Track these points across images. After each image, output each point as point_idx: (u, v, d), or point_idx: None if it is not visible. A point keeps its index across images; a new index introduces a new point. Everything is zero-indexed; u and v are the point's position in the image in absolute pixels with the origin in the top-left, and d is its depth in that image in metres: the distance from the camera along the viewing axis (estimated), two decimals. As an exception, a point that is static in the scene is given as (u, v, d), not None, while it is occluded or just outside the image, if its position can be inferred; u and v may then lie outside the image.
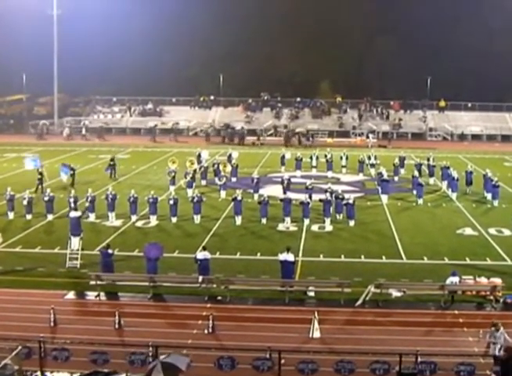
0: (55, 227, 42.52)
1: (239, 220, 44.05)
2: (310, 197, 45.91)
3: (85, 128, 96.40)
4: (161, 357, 18.54)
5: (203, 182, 56.00)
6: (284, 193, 48.28)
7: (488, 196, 51.77)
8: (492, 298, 30.03)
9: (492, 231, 42.36)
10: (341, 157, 65.21)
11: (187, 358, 19.36)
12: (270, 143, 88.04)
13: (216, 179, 54.01)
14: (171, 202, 44.48)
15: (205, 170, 57.30)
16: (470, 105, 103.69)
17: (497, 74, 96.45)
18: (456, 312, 29.02)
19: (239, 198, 44.48)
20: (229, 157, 63.46)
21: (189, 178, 52.31)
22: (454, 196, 52.32)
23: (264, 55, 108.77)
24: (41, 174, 52.90)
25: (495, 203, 50.13)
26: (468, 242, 40.31)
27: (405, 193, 53.86)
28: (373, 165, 63.95)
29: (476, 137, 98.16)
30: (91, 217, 43.84)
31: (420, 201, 50.45)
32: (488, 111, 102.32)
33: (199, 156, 63.48)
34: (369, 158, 64.86)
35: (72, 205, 42.52)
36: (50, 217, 44.36)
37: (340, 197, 45.08)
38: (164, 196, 49.07)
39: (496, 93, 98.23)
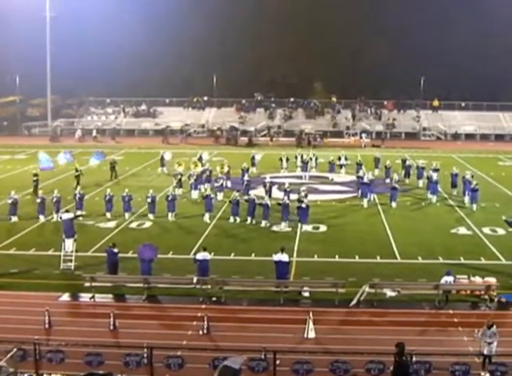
0: (48, 229, 42.52)
1: (207, 218, 44.69)
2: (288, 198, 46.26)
3: (96, 129, 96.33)
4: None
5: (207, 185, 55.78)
6: (269, 196, 48.10)
7: (466, 199, 50.27)
8: (486, 297, 30.07)
9: (486, 230, 42.40)
10: (311, 158, 65.17)
11: (242, 358, 19.67)
12: (281, 144, 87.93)
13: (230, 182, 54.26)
14: (149, 200, 45.47)
15: (210, 172, 56.84)
16: (463, 104, 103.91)
17: (491, 73, 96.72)
18: (451, 311, 29.06)
19: (211, 196, 45.63)
20: (200, 158, 63.39)
21: (193, 180, 52.17)
22: (433, 199, 51.30)
23: (257, 55, 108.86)
24: (36, 175, 52.70)
25: (474, 207, 48.38)
26: (462, 241, 40.33)
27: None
28: (342, 166, 63.55)
29: (470, 136, 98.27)
30: (56, 217, 44.17)
31: (394, 205, 49.48)
32: (481, 111, 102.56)
33: (162, 158, 63.55)
34: (339, 159, 64.27)
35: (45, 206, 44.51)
36: (14, 219, 44.43)
37: (303, 199, 44.28)
38: (158, 197, 49.11)
39: (490, 92, 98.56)
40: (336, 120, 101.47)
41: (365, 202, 49.88)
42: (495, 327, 23.44)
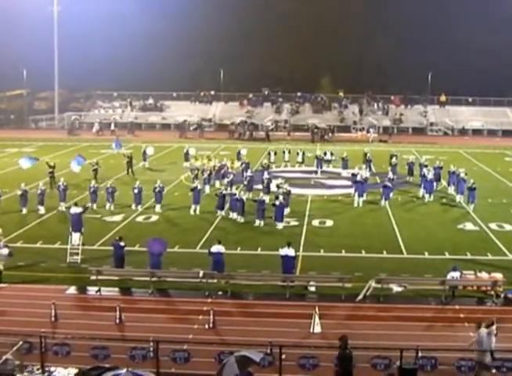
0: (54, 222, 42.64)
1: (195, 210, 45.36)
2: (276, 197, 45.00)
3: (114, 123, 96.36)
4: (236, 353, 18.76)
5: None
6: (268, 192, 47.72)
7: (458, 197, 49.39)
8: (492, 293, 30.04)
9: (493, 226, 42.33)
10: (297, 153, 65.27)
11: (261, 353, 19.63)
12: (297, 139, 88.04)
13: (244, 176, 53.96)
14: (136, 191, 46.32)
15: (227, 168, 56.61)
16: (470, 100, 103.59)
17: (498, 68, 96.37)
18: (457, 307, 29.03)
19: (198, 188, 46.20)
20: (186, 153, 63.49)
21: (206, 174, 51.99)
22: (427, 197, 50.13)
23: (264, 50, 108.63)
24: (52, 167, 52.83)
25: (471, 207, 46.79)
26: (469, 237, 40.28)
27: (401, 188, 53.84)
28: (328, 161, 63.15)
29: (477, 132, 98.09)
30: (41, 210, 45.19)
31: (385, 203, 48.35)
32: (488, 106, 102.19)
33: (144, 153, 63.33)
34: (325, 154, 63.73)
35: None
36: None
37: (279, 196, 43.70)
38: (165, 190, 49.11)
39: (497, 88, 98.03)
40: (343, 115, 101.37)
41: (359, 201, 48.57)
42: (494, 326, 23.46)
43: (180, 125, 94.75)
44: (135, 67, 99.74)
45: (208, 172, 52.37)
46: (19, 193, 45.21)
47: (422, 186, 51.66)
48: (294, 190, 49.37)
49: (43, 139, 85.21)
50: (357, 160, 61.80)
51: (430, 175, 50.99)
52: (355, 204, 48.34)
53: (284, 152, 65.30)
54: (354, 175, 52.06)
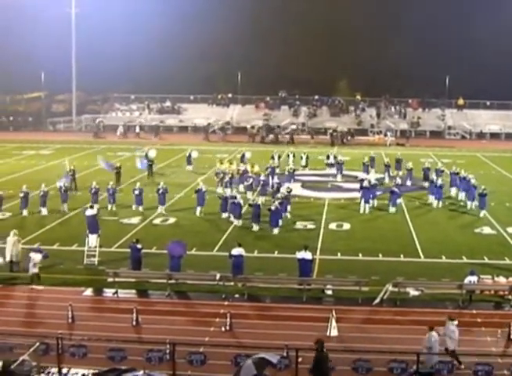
0: (72, 224, 42.73)
1: (198, 212, 45.53)
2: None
3: (139, 126, 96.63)
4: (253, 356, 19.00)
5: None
6: (273, 197, 47.26)
7: (469, 204, 48.21)
8: (510, 297, 29.87)
9: (511, 230, 42.05)
10: (301, 157, 64.98)
11: (278, 355, 19.88)
12: (320, 142, 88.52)
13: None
14: (137, 192, 46.57)
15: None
16: (488, 103, 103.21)
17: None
18: (474, 311, 28.86)
19: (203, 190, 46.17)
20: (189, 157, 63.60)
21: (227, 178, 51.75)
22: (435, 203, 49.13)
23: (281, 53, 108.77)
24: (71, 170, 53.00)
25: (482, 213, 45.77)
26: (486, 241, 40.05)
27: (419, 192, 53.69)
28: (332, 165, 62.64)
29: (494, 135, 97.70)
30: (44, 211, 45.41)
31: (393, 209, 47.28)
32: (507, 110, 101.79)
33: (146, 155, 63.08)
34: (328, 158, 63.48)
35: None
36: None
37: (275, 201, 43.19)
38: (183, 193, 49.20)
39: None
40: (360, 118, 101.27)
41: (366, 207, 47.42)
42: (456, 321, 23.47)
43: (204, 128, 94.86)
44: (153, 70, 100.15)
45: (230, 176, 52.12)
46: (21, 194, 45.30)
47: (431, 191, 50.76)
48: (312, 194, 49.31)
49: (60, 141, 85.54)
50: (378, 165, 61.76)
51: (439, 181, 50.15)
52: (361, 211, 47.33)
53: (288, 155, 65.23)
54: (361, 180, 50.61)
